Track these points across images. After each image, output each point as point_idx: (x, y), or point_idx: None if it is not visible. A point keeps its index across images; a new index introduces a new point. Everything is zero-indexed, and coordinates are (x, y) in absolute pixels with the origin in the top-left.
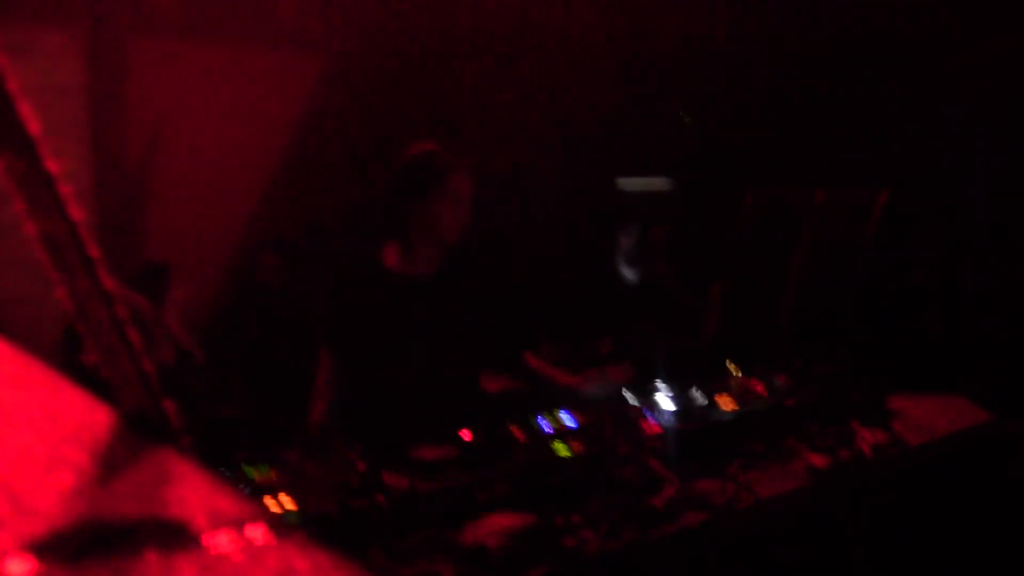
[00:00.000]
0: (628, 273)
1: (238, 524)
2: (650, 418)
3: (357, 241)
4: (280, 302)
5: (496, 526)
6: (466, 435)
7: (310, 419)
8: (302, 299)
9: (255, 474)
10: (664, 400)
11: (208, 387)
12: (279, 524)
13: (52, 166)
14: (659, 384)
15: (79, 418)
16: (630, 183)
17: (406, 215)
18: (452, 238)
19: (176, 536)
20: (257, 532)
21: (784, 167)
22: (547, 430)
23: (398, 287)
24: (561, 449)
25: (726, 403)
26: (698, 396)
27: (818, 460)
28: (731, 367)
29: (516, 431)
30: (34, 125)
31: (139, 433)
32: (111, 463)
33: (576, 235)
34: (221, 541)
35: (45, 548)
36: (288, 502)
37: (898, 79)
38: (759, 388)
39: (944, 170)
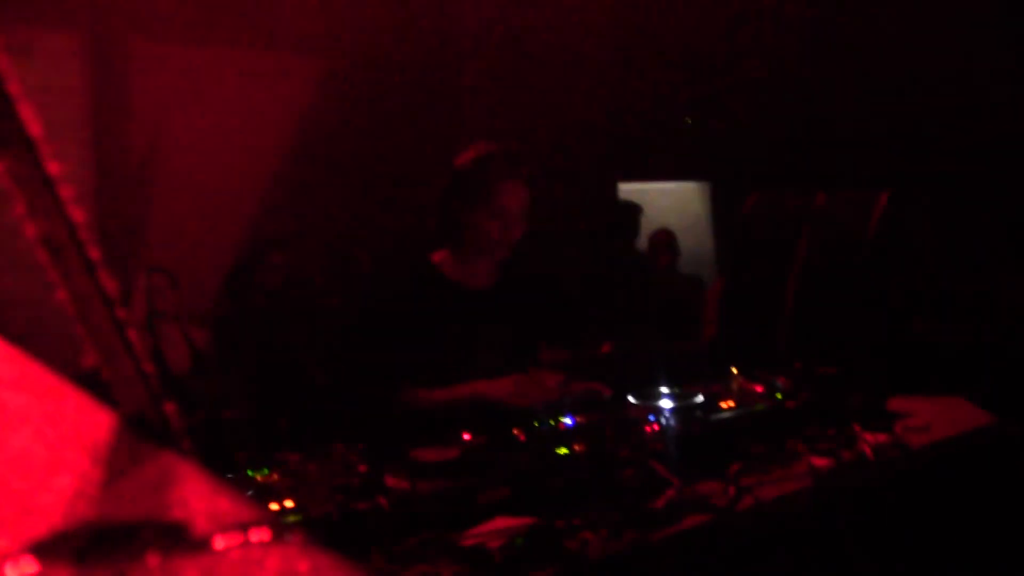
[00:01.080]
0: (629, 275)
1: (239, 526)
2: (651, 419)
3: (399, 245)
4: (284, 302)
5: (497, 528)
6: (467, 436)
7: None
8: (307, 299)
9: (257, 475)
10: (665, 402)
11: (211, 389)
12: (280, 526)
13: (53, 167)
14: (660, 386)
15: (80, 420)
16: (631, 186)
17: (457, 225)
18: (501, 253)
19: (177, 538)
20: (258, 534)
21: (785, 169)
22: (548, 431)
23: (457, 297)
24: (562, 451)
25: (727, 405)
26: (699, 398)
27: (819, 462)
28: (732, 368)
29: (517, 432)
30: (35, 126)
31: (140, 435)
32: (112, 465)
33: (577, 237)
34: (222, 543)
35: (46, 550)
36: (290, 503)
37: (898, 80)
38: (760, 390)
39: (945, 171)
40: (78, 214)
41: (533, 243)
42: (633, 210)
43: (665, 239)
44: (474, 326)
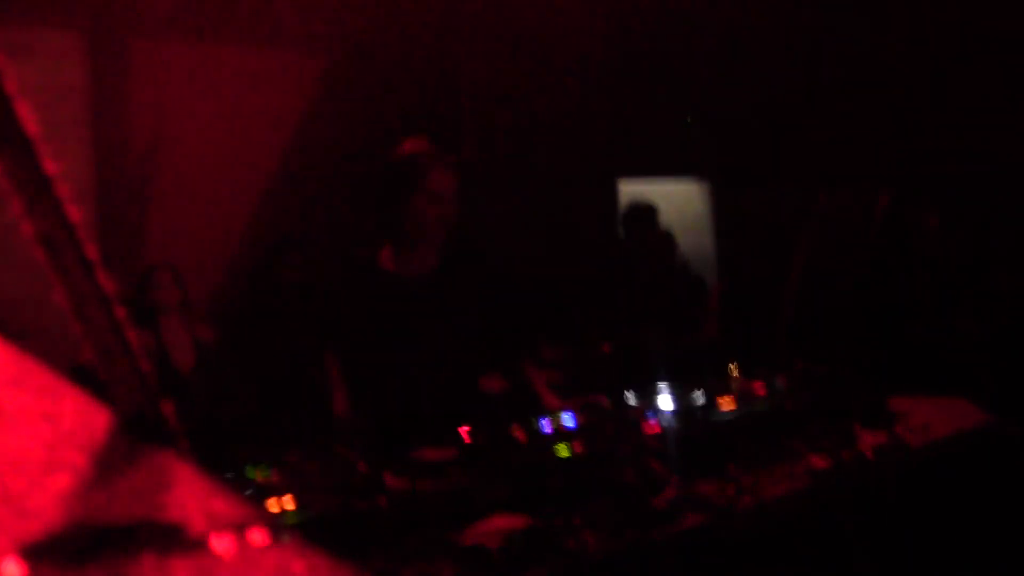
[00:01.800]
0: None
1: (235, 526)
2: (651, 419)
3: (357, 242)
4: (297, 300)
5: (496, 527)
6: (466, 436)
7: (334, 413)
8: (315, 298)
9: (257, 475)
10: (665, 401)
11: (213, 385)
12: (277, 526)
13: (50, 167)
14: (660, 385)
15: (77, 419)
16: (633, 183)
17: (393, 215)
18: (438, 237)
19: (173, 538)
20: (254, 534)
21: (786, 168)
22: (547, 431)
23: (392, 288)
24: (561, 450)
25: (727, 404)
26: (699, 397)
27: (819, 461)
28: (732, 368)
29: (516, 432)
30: (33, 125)
31: (137, 435)
32: (109, 465)
33: (578, 235)
34: (218, 543)
35: (42, 550)
36: (289, 503)
37: (900, 78)
38: (760, 389)
39: (946, 171)
40: (76, 213)
41: (528, 242)
42: (646, 208)
43: (664, 238)
44: (409, 313)
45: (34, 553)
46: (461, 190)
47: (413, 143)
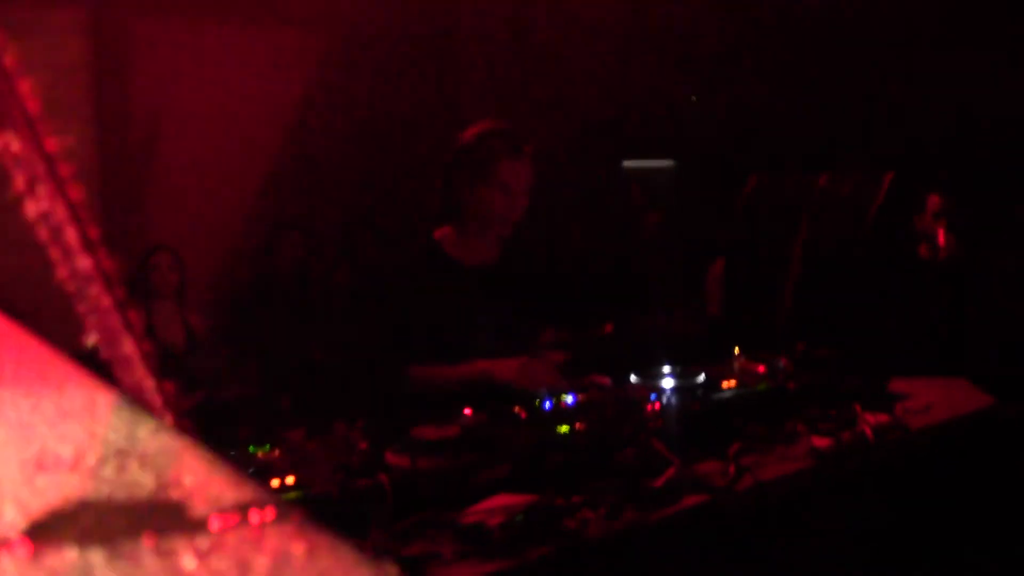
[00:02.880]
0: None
1: (237, 507)
2: (652, 399)
3: (421, 224)
4: (296, 281)
5: (497, 506)
6: (468, 414)
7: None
8: (319, 278)
9: (258, 453)
10: (666, 381)
11: (213, 367)
12: (278, 506)
13: (52, 145)
14: (662, 366)
15: (79, 399)
16: (634, 166)
17: (459, 201)
18: (504, 230)
19: (175, 519)
20: (256, 515)
21: (787, 150)
22: (549, 409)
23: (458, 274)
24: (563, 429)
25: (728, 385)
26: (700, 378)
27: (820, 442)
28: (734, 349)
29: (518, 410)
30: (34, 104)
31: (138, 415)
32: (110, 445)
33: (579, 219)
34: (219, 524)
35: (43, 531)
36: (290, 480)
37: (901, 62)
38: (761, 370)
39: (946, 153)
40: (78, 192)
41: (539, 222)
42: (641, 187)
43: (655, 219)
44: (473, 303)
45: (37, 534)
46: (534, 183)
47: (486, 126)
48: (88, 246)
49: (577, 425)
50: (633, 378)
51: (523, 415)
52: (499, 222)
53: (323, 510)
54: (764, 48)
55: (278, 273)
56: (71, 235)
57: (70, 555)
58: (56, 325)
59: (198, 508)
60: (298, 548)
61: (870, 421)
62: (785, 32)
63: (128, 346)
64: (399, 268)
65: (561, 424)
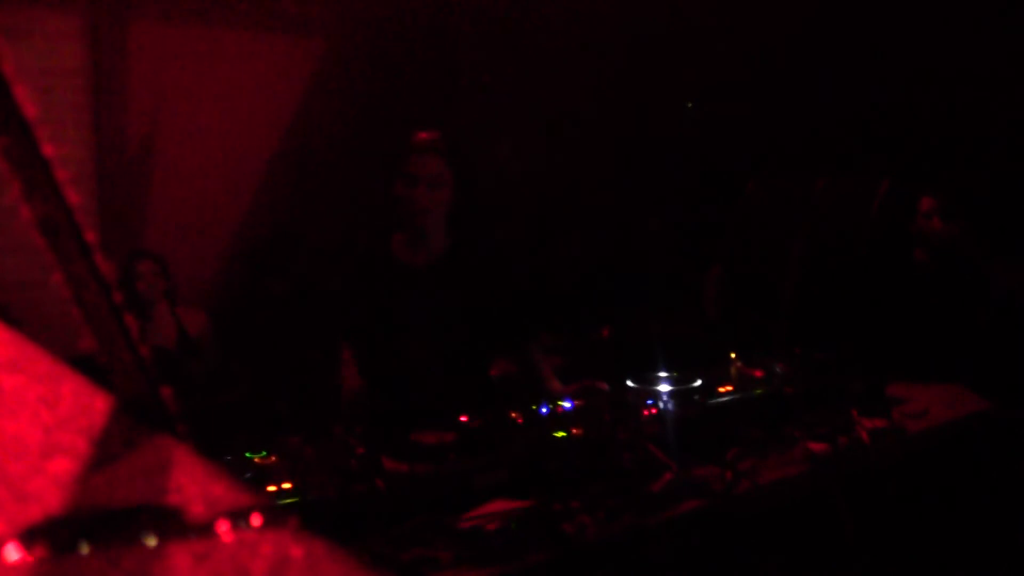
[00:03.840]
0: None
1: (234, 512)
2: (649, 404)
3: (369, 231)
4: (286, 287)
5: (494, 511)
6: (465, 420)
7: (344, 388)
8: (308, 284)
9: (256, 458)
10: (663, 386)
11: (209, 372)
12: (275, 511)
13: (49, 150)
14: (659, 370)
15: (76, 404)
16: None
17: (391, 204)
18: (420, 221)
19: (172, 523)
20: (253, 520)
21: (785, 154)
22: (546, 415)
23: (399, 276)
24: (560, 434)
25: (725, 390)
26: (697, 382)
27: (817, 447)
28: (731, 354)
29: (515, 416)
30: (31, 108)
31: (136, 420)
32: (108, 449)
33: (576, 222)
34: (217, 529)
35: (41, 534)
36: (288, 486)
37: (900, 66)
38: (758, 375)
39: (945, 157)
40: (75, 197)
41: (494, 220)
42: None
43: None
44: (410, 300)
45: (34, 537)
46: (455, 175)
47: (410, 133)
48: (84, 251)
49: (574, 430)
50: (630, 383)
51: (520, 420)
52: (413, 215)
53: (321, 515)
54: (763, 49)
55: (283, 282)
56: (68, 239)
57: (68, 560)
58: (53, 330)
59: (196, 514)
60: (296, 553)
61: (867, 425)
62: (785, 32)
63: (125, 351)
64: (345, 268)
65: (558, 429)
